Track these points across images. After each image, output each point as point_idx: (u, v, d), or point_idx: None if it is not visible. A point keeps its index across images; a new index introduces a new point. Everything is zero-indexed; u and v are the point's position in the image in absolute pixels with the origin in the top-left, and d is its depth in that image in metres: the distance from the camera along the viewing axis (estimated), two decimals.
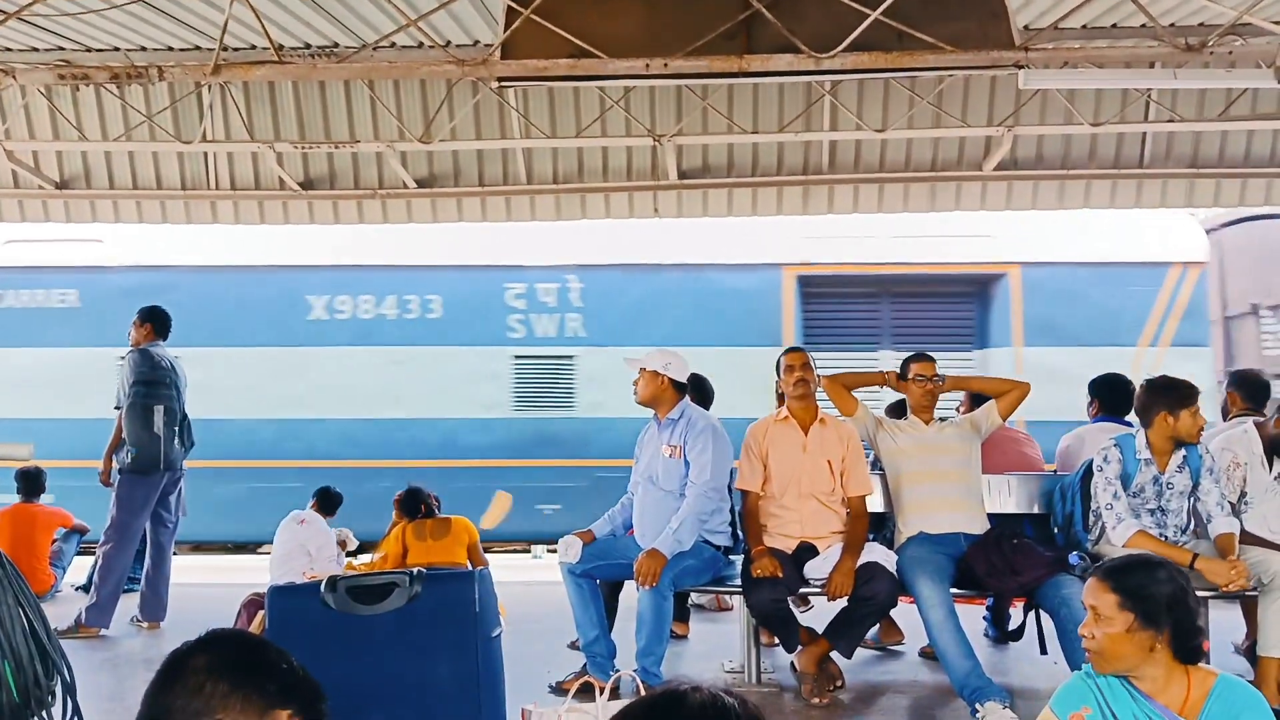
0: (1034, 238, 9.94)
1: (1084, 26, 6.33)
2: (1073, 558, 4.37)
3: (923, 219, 9.15)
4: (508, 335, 10.06)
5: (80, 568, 7.66)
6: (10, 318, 10.08)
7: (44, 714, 2.75)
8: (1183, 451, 4.35)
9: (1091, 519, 4.55)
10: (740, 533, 4.85)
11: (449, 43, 6.43)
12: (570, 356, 9.98)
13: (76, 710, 2.81)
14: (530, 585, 7.45)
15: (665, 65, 5.65)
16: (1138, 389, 4.47)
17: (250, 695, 1.64)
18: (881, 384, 5.00)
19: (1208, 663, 2.42)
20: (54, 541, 7.49)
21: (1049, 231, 9.88)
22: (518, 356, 10.05)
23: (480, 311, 10.08)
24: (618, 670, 4.18)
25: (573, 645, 5.16)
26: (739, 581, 4.58)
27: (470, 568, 5.88)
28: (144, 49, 6.64)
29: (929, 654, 5.04)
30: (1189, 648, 2.37)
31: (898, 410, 5.70)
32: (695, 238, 9.87)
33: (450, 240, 9.87)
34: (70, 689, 2.82)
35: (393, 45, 6.32)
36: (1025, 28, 6.09)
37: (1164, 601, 2.35)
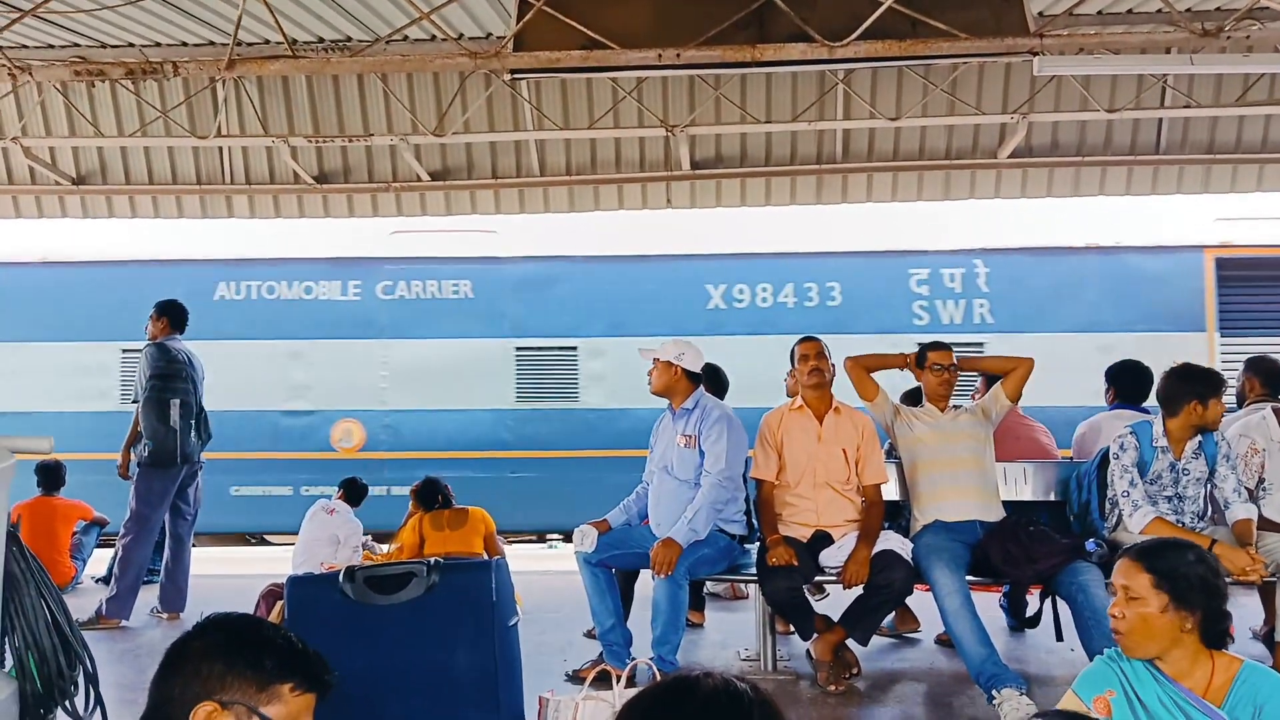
0: None
1: (1099, 12, 6.29)
2: (1089, 545, 4.37)
3: None
4: (912, 322, 9.86)
5: (100, 560, 7.74)
6: (403, 309, 10.11)
7: (67, 704, 2.78)
8: (1199, 438, 4.33)
9: (1108, 506, 4.54)
10: (755, 521, 4.86)
11: (461, 35, 6.44)
12: (980, 344, 9.66)
13: (99, 700, 2.83)
14: (547, 575, 7.49)
15: (678, 55, 5.64)
16: (1162, 376, 4.44)
17: (246, 673, 1.65)
18: (902, 366, 4.96)
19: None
20: (74, 534, 7.56)
21: None
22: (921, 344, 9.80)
23: (883, 298, 9.92)
24: (634, 658, 4.19)
25: (589, 634, 5.19)
26: (754, 570, 4.59)
27: (487, 557, 5.91)
28: (159, 45, 6.68)
29: (945, 641, 5.04)
30: (1216, 631, 2.37)
31: (912, 398, 5.68)
32: (1106, 220, 9.64)
33: (850, 226, 9.70)
34: (93, 679, 2.85)
35: (405, 39, 6.33)
36: (1040, 14, 6.05)
37: (1197, 583, 2.35)
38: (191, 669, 1.67)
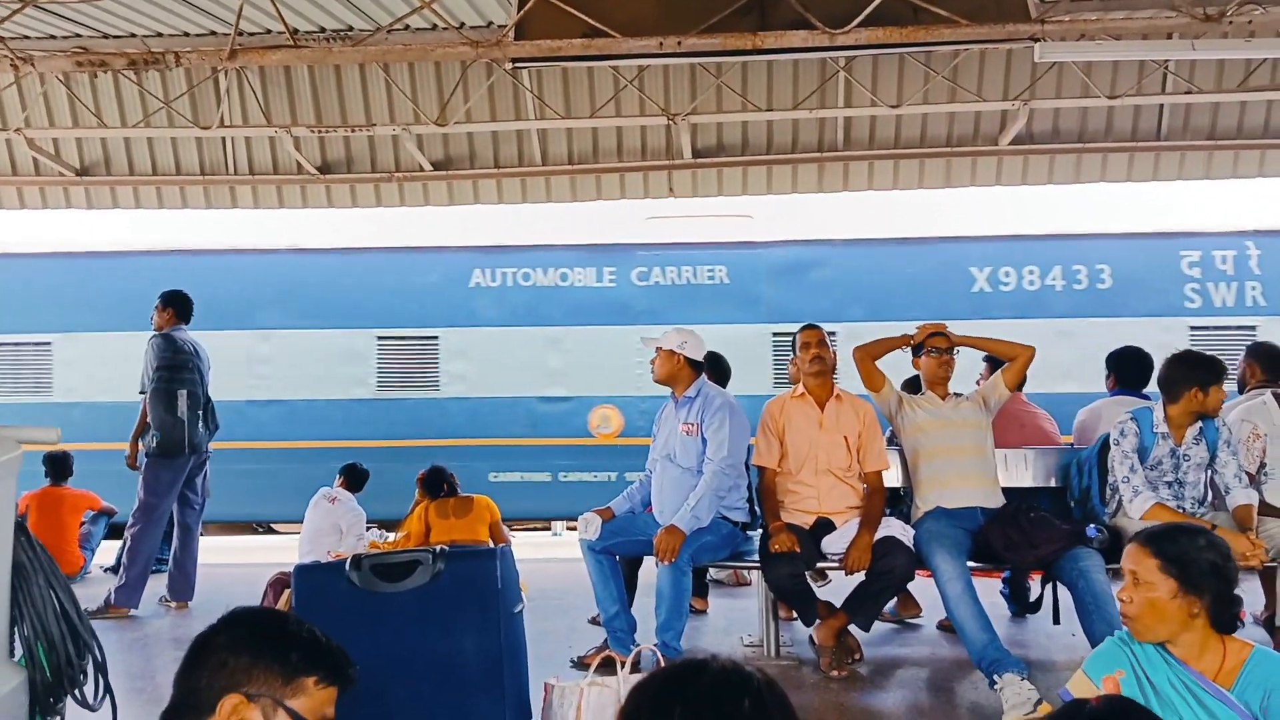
0: None
1: None
2: (1090, 530, 4.38)
3: None
4: (1184, 305, 9.72)
5: (109, 550, 7.79)
6: (658, 295, 10.09)
7: (76, 692, 2.81)
8: (1199, 424, 4.35)
9: (1109, 492, 4.56)
10: (758, 509, 4.89)
11: (463, 25, 6.45)
12: (1252, 327, 9.46)
13: (108, 689, 2.86)
14: (551, 562, 7.52)
15: (679, 44, 5.65)
16: (1164, 363, 4.45)
17: (272, 666, 1.67)
18: (905, 346, 4.95)
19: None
20: (82, 524, 7.61)
21: None
22: (1194, 328, 9.64)
23: (1154, 281, 9.76)
24: (638, 645, 4.22)
25: (593, 621, 5.22)
26: (757, 557, 4.62)
27: (492, 545, 5.94)
28: (161, 35, 6.69)
29: (947, 627, 5.07)
30: (1226, 616, 2.37)
31: (911, 387, 5.69)
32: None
33: (1117, 207, 9.70)
34: (101, 668, 2.87)
35: (407, 28, 6.34)
36: (1041, 1, 6.04)
37: (1206, 567, 2.36)
38: (218, 661, 1.69)
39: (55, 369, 10.07)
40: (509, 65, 6.16)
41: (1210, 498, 4.45)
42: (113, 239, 10.46)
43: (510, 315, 10.04)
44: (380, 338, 10.05)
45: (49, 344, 10.10)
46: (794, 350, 4.98)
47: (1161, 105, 7.82)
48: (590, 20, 5.63)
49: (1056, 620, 4.59)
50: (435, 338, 10.08)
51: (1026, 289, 9.90)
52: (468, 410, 9.96)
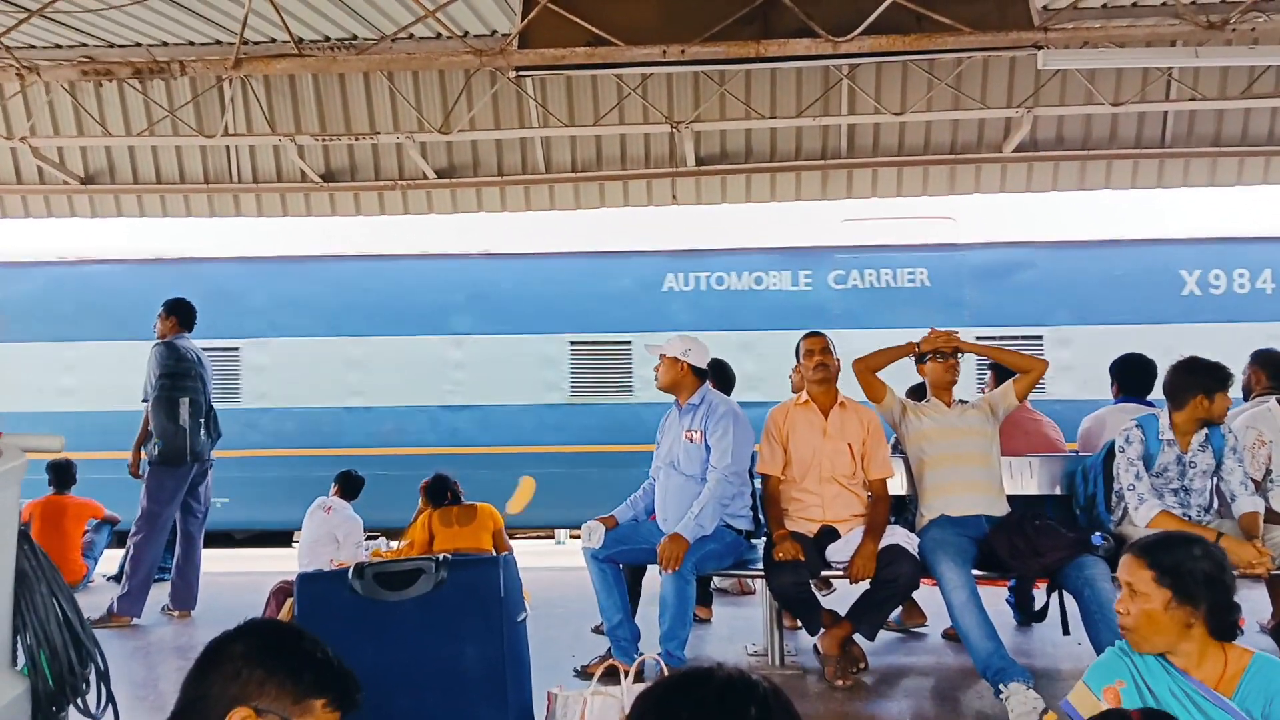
0: None
1: (1104, 5, 6.29)
2: (1096, 538, 4.37)
3: None
4: None
5: (112, 558, 7.78)
6: (856, 298, 9.99)
7: (79, 701, 2.80)
8: (1205, 431, 4.33)
9: (1114, 500, 4.54)
10: (762, 517, 4.87)
11: (467, 33, 6.46)
12: None
13: (110, 697, 2.86)
14: (554, 571, 7.51)
15: (682, 51, 5.66)
16: (1169, 369, 4.43)
17: (285, 683, 1.67)
18: (910, 354, 4.90)
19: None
20: (85, 532, 7.61)
21: None
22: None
23: None
24: (642, 654, 4.21)
25: (597, 630, 5.20)
26: (761, 565, 4.61)
27: (495, 553, 5.93)
28: (165, 44, 6.71)
29: (952, 635, 5.05)
30: (1225, 624, 2.36)
31: (916, 394, 5.68)
32: None
33: None
34: (104, 677, 2.87)
35: (411, 37, 6.35)
36: (1044, 8, 6.05)
37: (1200, 577, 2.35)
38: (231, 671, 1.68)
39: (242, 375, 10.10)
40: (513, 73, 6.18)
41: (1216, 505, 4.43)
42: (308, 243, 10.46)
43: (704, 320, 9.90)
44: (573, 343, 10.02)
45: (237, 349, 10.15)
46: (797, 357, 4.97)
47: (1166, 112, 7.82)
48: (594, 28, 5.64)
49: (1065, 630, 4.57)
50: (628, 342, 10.04)
51: (1237, 292, 9.74)
52: (660, 416, 9.91)
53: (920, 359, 4.84)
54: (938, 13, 5.55)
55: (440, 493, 6.58)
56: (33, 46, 6.63)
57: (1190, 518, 4.28)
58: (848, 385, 4.86)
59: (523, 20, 5.75)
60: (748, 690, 1.39)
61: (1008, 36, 5.68)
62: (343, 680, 1.73)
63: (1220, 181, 8.08)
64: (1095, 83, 7.38)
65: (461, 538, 6.20)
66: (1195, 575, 2.35)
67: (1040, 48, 5.73)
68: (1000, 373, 5.78)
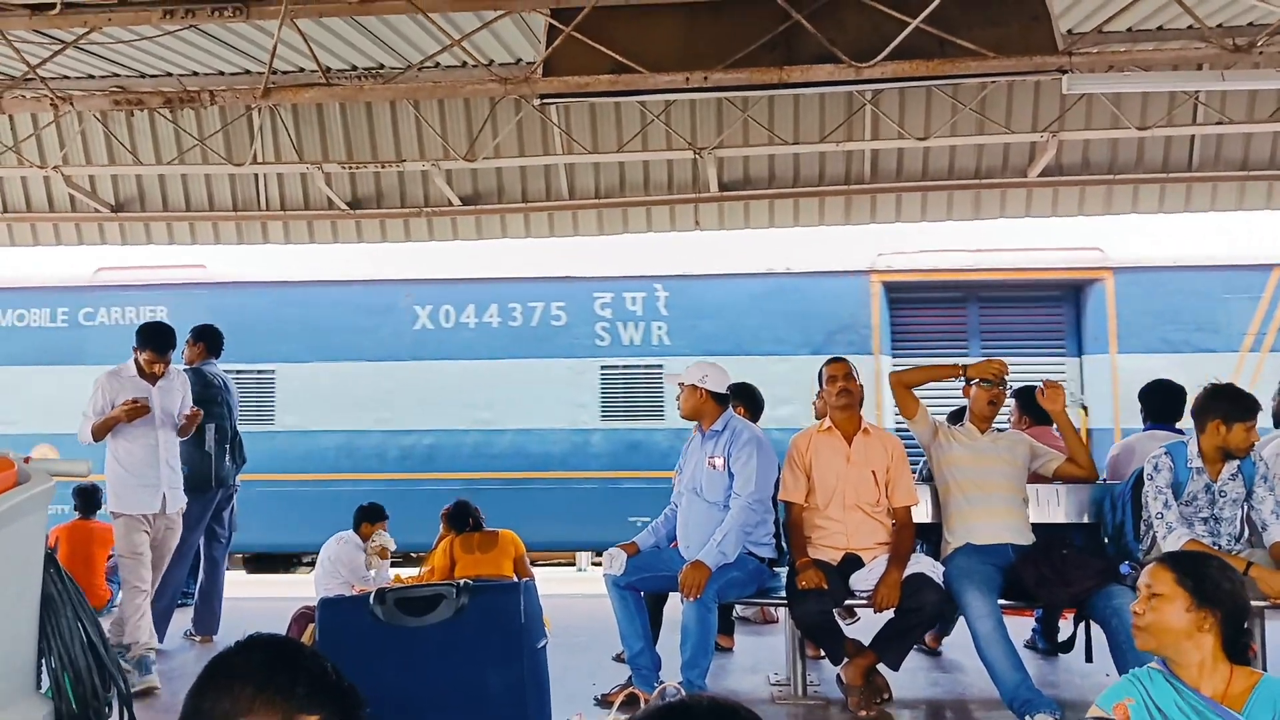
0: None
1: (1129, 29, 6.26)
2: (1124, 568, 4.31)
3: None
4: None
5: None
6: None
7: None
8: (1236, 459, 4.26)
9: (1143, 528, 4.47)
10: (785, 544, 4.83)
11: (492, 62, 6.52)
12: None
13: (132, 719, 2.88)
14: (576, 598, 7.48)
15: (705, 78, 5.67)
16: (1199, 393, 4.37)
17: (274, 698, 1.64)
18: (958, 375, 4.82)
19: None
20: (110, 557, 7.64)
21: None
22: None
23: None
24: (662, 682, 4.18)
25: (618, 658, 5.17)
26: (784, 594, 4.56)
27: (516, 580, 5.91)
28: (196, 74, 6.82)
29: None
30: (1237, 645, 2.40)
31: (957, 419, 5.61)
32: None
33: None
34: (127, 701, 2.89)
35: (437, 65, 6.42)
36: (1069, 32, 6.04)
37: (1221, 586, 2.41)
38: (225, 685, 1.67)
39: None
40: (537, 101, 6.21)
41: (1247, 534, 4.35)
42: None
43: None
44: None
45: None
46: (820, 384, 4.95)
47: (1193, 136, 7.77)
48: (617, 56, 5.68)
49: (1089, 658, 4.50)
50: None
51: None
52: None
53: (968, 381, 4.79)
54: (961, 38, 5.54)
55: (462, 519, 6.58)
56: (66, 77, 6.75)
57: (1220, 546, 4.21)
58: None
59: (547, 48, 5.79)
60: (730, 715, 1.38)
61: (1032, 61, 5.66)
62: (341, 695, 1.71)
63: (1249, 205, 8.01)
64: (1121, 107, 7.35)
65: (483, 564, 6.18)
66: (1216, 583, 2.42)
67: (1065, 72, 5.70)
68: (1025, 406, 5.71)
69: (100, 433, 5.24)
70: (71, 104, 6.05)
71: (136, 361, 5.39)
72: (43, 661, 2.78)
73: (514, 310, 9.94)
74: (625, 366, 9.80)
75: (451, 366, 9.93)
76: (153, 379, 5.38)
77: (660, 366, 9.64)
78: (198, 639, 6.25)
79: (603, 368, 9.79)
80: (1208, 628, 2.37)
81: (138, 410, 5.19)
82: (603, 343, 9.84)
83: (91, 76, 6.84)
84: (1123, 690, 2.44)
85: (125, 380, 5.35)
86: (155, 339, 5.37)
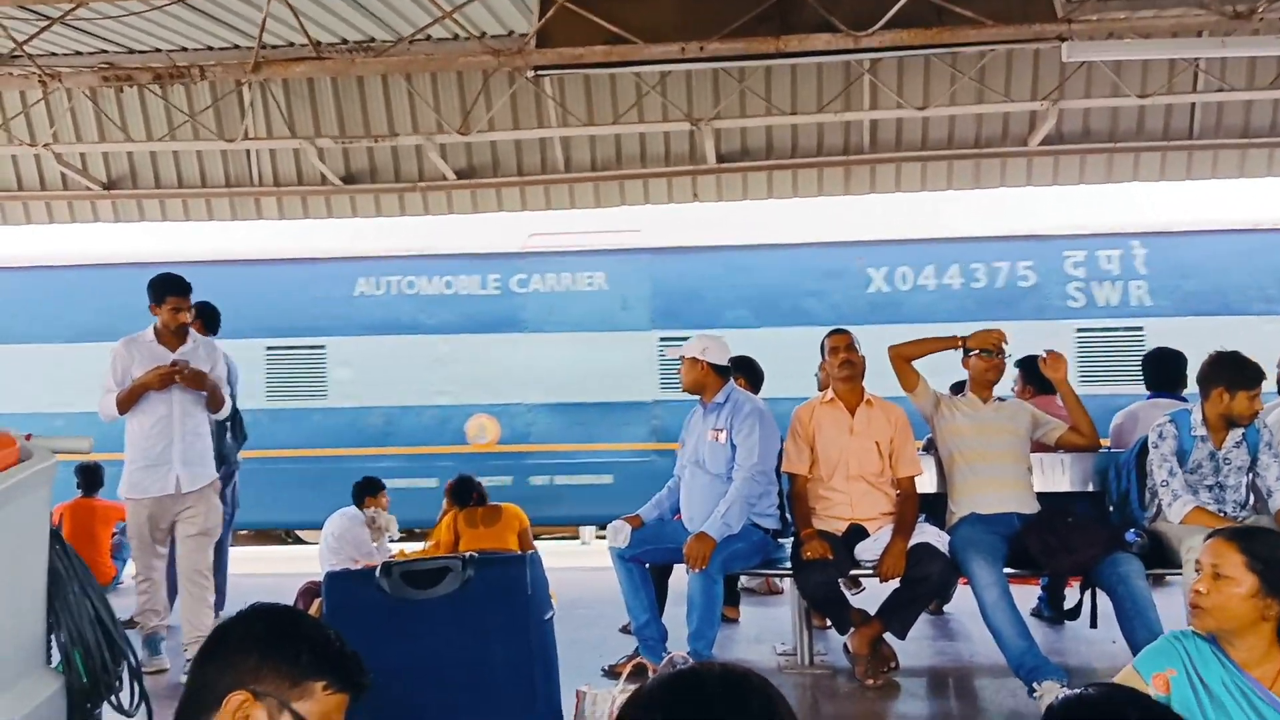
0: None
1: None
2: (1129, 535, 4.31)
3: None
4: None
5: None
6: None
7: (113, 698, 2.82)
8: (1241, 427, 4.26)
9: (1148, 496, 4.47)
10: (789, 516, 4.83)
11: (484, 34, 6.45)
12: None
13: (144, 694, 2.87)
14: (580, 571, 7.49)
15: (701, 49, 5.63)
16: (1205, 359, 4.35)
17: (280, 666, 1.64)
18: (956, 347, 4.79)
19: None
20: (114, 535, 7.64)
21: None
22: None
23: None
24: (670, 653, 4.18)
25: (624, 629, 5.19)
26: (789, 565, 4.57)
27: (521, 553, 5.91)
28: (185, 49, 6.74)
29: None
30: None
31: (959, 390, 5.60)
32: None
33: None
34: (137, 675, 2.88)
35: (429, 38, 6.36)
36: (1068, 0, 5.98)
37: None
38: (229, 656, 1.67)
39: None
40: (531, 73, 6.16)
41: (1252, 501, 4.35)
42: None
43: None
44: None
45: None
46: (822, 355, 4.93)
47: (1193, 104, 7.72)
48: (612, 27, 5.62)
49: (1094, 625, 4.51)
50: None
51: None
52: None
53: (966, 353, 4.76)
54: (959, 6, 5.50)
55: (465, 493, 6.57)
56: (54, 54, 6.67)
57: (1225, 514, 4.21)
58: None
59: (540, 20, 5.74)
60: (740, 683, 1.36)
61: (1031, 29, 5.62)
62: (344, 662, 1.70)
63: (1250, 173, 7.99)
64: (1121, 75, 7.31)
65: (486, 538, 6.18)
66: None
67: (1064, 40, 5.67)
68: (1029, 376, 5.69)
69: (126, 404, 4.79)
70: (60, 81, 6.00)
71: (155, 328, 4.90)
72: (52, 636, 2.77)
73: (976, 271, 9.54)
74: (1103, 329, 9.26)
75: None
76: (173, 345, 4.89)
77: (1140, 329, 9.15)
78: None
79: (1078, 330, 9.24)
80: (1272, 615, 2.29)
81: (170, 376, 4.73)
82: (1076, 304, 9.35)
83: (79, 53, 6.76)
84: (1165, 657, 2.36)
85: (143, 347, 4.88)
86: (173, 285, 4.85)
